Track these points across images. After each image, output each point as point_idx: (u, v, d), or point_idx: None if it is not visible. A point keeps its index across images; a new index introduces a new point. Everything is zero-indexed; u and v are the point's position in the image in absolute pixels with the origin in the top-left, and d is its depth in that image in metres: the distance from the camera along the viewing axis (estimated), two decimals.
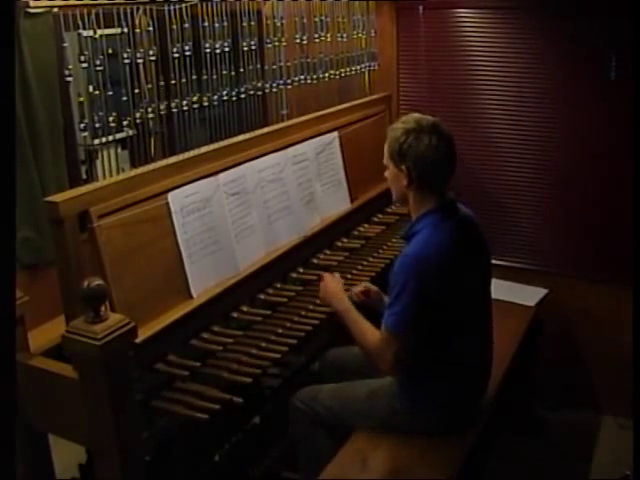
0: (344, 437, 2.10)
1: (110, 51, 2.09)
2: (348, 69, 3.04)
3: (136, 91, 2.17)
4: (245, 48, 2.49)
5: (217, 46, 2.35)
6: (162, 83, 2.23)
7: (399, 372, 2.01)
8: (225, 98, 2.44)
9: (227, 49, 2.39)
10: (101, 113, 2.05)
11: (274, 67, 2.66)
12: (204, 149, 2.25)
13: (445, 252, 1.93)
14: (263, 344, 2.03)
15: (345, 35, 2.97)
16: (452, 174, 2.01)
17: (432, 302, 1.90)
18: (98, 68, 2.02)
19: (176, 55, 2.22)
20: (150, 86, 2.19)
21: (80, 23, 1.95)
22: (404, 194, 2.03)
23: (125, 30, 2.07)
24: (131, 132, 2.18)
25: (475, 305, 2.07)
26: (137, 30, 2.11)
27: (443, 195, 2.01)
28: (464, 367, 2.03)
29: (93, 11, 1.97)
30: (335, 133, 2.80)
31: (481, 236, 2.09)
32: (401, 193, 2.04)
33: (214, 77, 2.37)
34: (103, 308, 1.63)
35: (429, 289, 1.89)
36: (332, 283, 2.20)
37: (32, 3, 1.94)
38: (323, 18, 2.84)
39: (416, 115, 2.02)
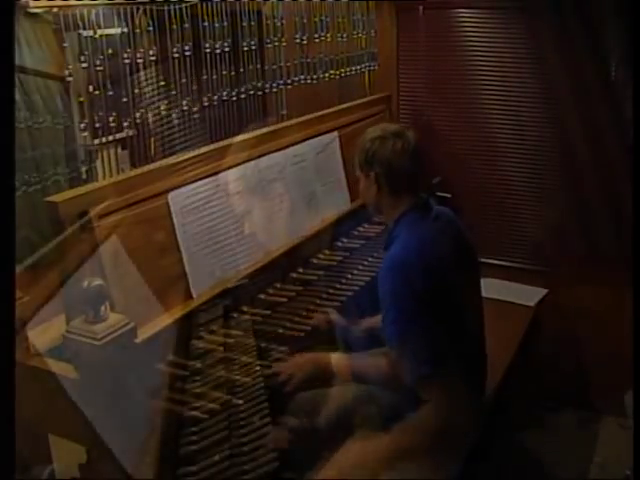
0: (344, 437, 2.10)
1: (110, 51, 2.09)
2: (348, 69, 3.04)
3: (136, 91, 2.17)
4: (245, 48, 2.50)
5: (217, 46, 2.35)
6: (162, 83, 2.23)
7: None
8: (225, 98, 2.44)
9: (227, 49, 2.39)
10: (101, 113, 2.05)
11: (274, 67, 2.66)
12: (204, 149, 2.24)
13: (425, 249, 1.91)
14: (263, 344, 2.03)
15: (345, 35, 2.97)
16: (421, 177, 2.02)
17: (423, 301, 1.87)
18: (98, 68, 2.03)
19: (176, 55, 2.22)
20: (150, 86, 2.20)
21: (80, 23, 1.96)
22: (377, 202, 2.02)
23: (125, 30, 2.07)
24: (131, 132, 2.18)
25: (464, 301, 2.04)
26: (137, 30, 2.11)
27: (416, 196, 2.01)
28: (462, 365, 2.02)
29: (93, 11, 1.98)
30: (335, 133, 2.80)
31: (460, 231, 2.08)
32: (374, 202, 2.04)
33: (214, 77, 2.37)
34: (103, 308, 1.62)
35: (417, 289, 1.85)
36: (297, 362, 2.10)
37: (32, 3, 1.94)
38: (323, 18, 2.84)
39: (383, 124, 2.06)
